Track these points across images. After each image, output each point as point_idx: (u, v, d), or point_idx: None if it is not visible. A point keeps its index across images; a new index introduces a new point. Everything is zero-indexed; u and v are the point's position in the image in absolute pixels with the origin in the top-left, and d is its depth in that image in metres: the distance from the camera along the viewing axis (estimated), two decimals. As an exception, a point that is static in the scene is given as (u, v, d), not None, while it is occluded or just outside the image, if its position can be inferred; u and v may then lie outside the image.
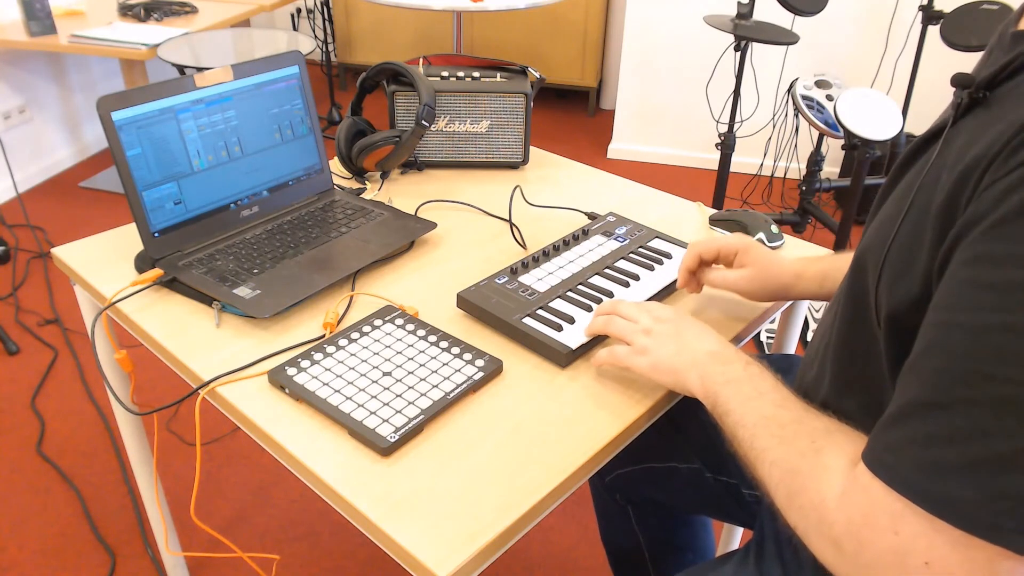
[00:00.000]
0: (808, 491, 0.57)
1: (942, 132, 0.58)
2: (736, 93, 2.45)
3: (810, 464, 0.58)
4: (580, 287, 0.97)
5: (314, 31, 4.18)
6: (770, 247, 1.12)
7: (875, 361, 0.62)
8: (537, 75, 1.33)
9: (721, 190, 2.58)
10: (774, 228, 1.16)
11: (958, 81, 0.57)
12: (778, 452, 0.61)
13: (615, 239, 1.09)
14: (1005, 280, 0.46)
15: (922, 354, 0.51)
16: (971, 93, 0.55)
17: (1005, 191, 0.47)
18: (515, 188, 1.29)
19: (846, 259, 0.89)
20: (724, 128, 2.54)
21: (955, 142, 0.55)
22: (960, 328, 0.48)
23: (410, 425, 0.76)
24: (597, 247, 1.07)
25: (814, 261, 0.92)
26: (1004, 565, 0.47)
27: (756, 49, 3.08)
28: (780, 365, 1.02)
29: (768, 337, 2.28)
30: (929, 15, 2.44)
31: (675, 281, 1.00)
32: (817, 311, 2.36)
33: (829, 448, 0.58)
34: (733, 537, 1.49)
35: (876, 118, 2.10)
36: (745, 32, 2.23)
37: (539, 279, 0.99)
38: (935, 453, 0.48)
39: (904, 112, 2.67)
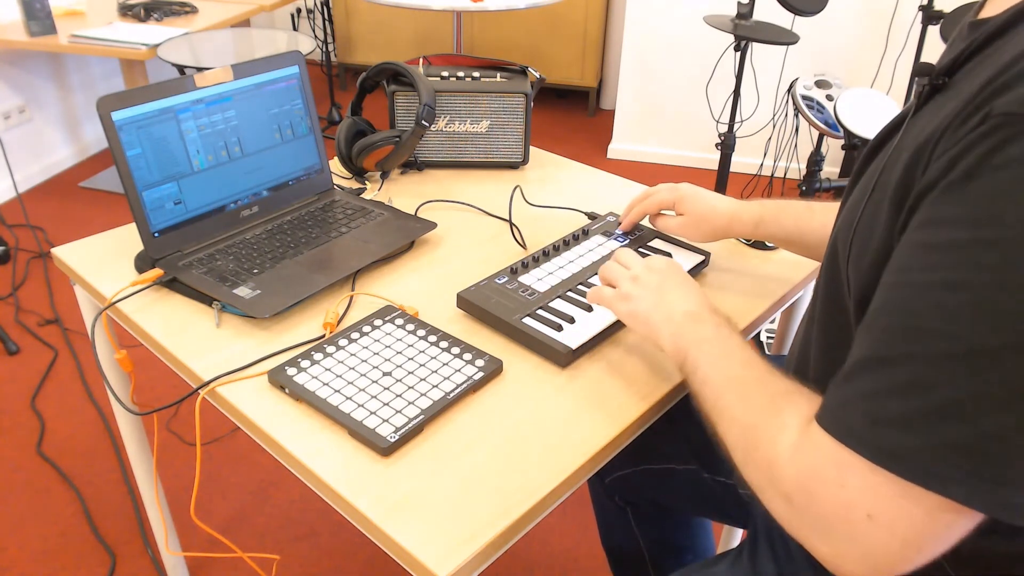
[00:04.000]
0: (763, 447, 0.58)
1: (904, 121, 0.60)
2: (736, 93, 2.45)
3: (767, 421, 0.60)
4: (580, 287, 0.97)
5: (314, 31, 4.18)
6: (769, 247, 1.12)
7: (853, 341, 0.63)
8: (537, 75, 1.33)
9: (721, 190, 2.58)
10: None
11: (919, 70, 0.59)
12: (738, 410, 0.63)
13: (615, 239, 1.09)
14: (949, 240, 0.47)
15: (873, 314, 0.53)
16: (931, 80, 0.57)
17: (954, 157, 0.48)
18: (515, 188, 1.29)
19: (782, 205, 0.96)
20: (724, 128, 2.54)
21: (915, 127, 0.57)
22: (906, 287, 0.50)
23: (410, 425, 0.76)
24: (597, 247, 1.07)
25: (750, 206, 0.99)
26: (944, 517, 0.48)
27: (756, 49, 3.08)
28: (779, 365, 1.03)
29: (768, 337, 2.28)
30: (929, 15, 2.44)
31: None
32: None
33: (787, 407, 0.59)
34: (732, 538, 1.49)
35: (876, 118, 2.10)
36: (745, 32, 2.23)
37: (539, 279, 0.99)
38: (880, 406, 0.49)
39: (904, 112, 2.66)
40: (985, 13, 0.57)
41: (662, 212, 1.06)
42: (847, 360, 0.54)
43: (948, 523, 0.48)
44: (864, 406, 0.50)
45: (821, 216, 0.94)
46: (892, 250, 0.54)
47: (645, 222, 1.15)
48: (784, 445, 0.56)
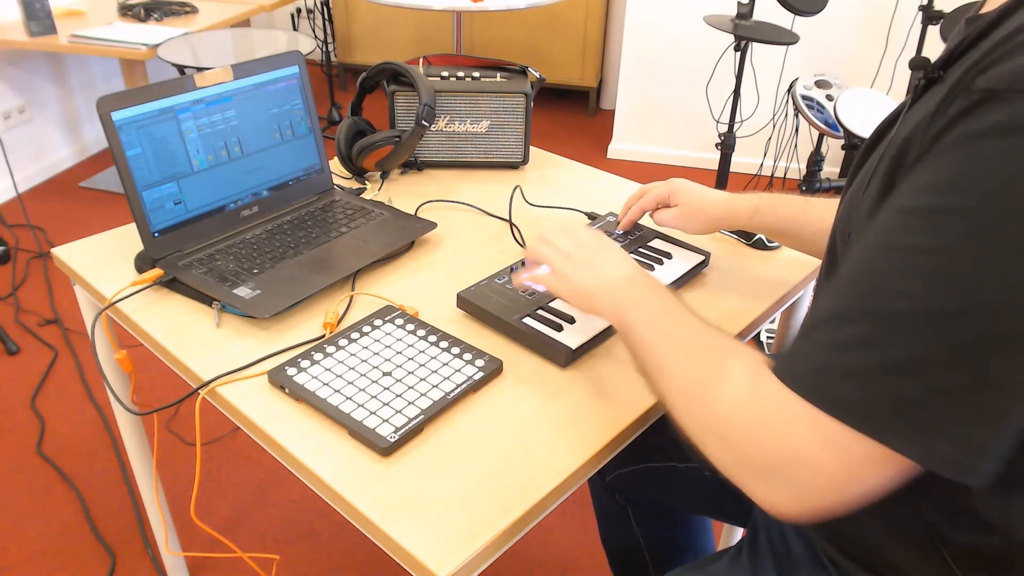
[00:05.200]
0: (710, 398, 0.60)
1: (901, 115, 0.61)
2: (736, 93, 2.45)
3: (714, 375, 0.61)
4: (580, 287, 0.97)
5: (314, 31, 4.18)
6: (770, 247, 1.12)
7: None
8: (537, 75, 1.33)
9: (721, 189, 2.57)
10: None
11: (915, 64, 0.60)
12: (683, 367, 0.65)
13: (615, 239, 1.09)
14: (919, 205, 0.49)
15: (840, 274, 0.55)
16: (927, 74, 0.58)
17: (935, 135, 0.50)
18: (515, 188, 1.29)
19: (779, 197, 0.97)
20: (724, 128, 2.54)
21: (910, 119, 0.58)
22: (870, 248, 0.52)
23: (410, 425, 0.76)
24: (597, 247, 1.07)
25: (746, 196, 0.99)
26: (878, 464, 0.51)
27: (756, 49, 3.08)
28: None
29: (768, 337, 2.28)
30: (929, 15, 2.44)
31: (675, 281, 1.01)
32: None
33: (734, 361, 0.61)
34: (732, 538, 1.49)
35: (876, 118, 2.10)
36: (745, 32, 2.23)
37: (539, 279, 0.99)
38: (834, 358, 0.52)
39: (904, 112, 2.66)
40: (983, 10, 0.58)
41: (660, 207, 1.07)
42: (808, 317, 0.58)
43: (881, 470, 0.51)
44: (818, 358, 0.53)
45: (818, 210, 0.94)
46: None
47: (645, 221, 1.15)
48: (733, 394, 0.59)
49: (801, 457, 0.53)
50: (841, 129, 2.15)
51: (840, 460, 0.52)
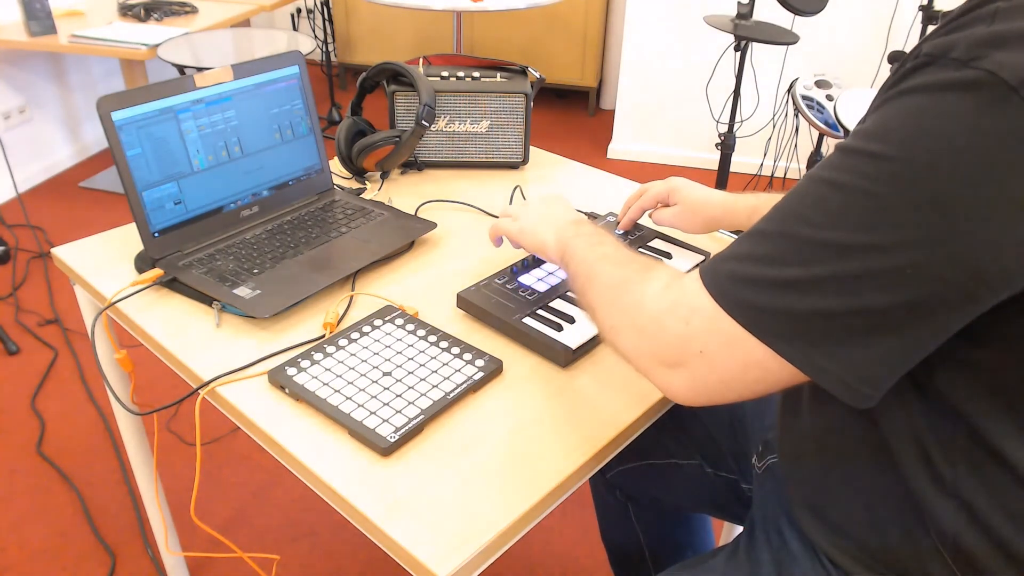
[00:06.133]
0: (630, 292, 0.67)
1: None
2: (736, 93, 2.45)
3: (638, 277, 0.68)
4: (580, 287, 0.98)
5: (314, 31, 4.18)
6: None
7: None
8: (537, 75, 1.33)
9: (721, 190, 2.58)
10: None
11: (892, 57, 0.63)
12: (611, 275, 0.71)
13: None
14: (846, 145, 0.54)
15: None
16: (901, 64, 0.59)
17: (881, 92, 0.54)
18: (515, 188, 1.29)
19: (777, 198, 0.96)
20: (724, 128, 2.54)
21: None
22: (806, 179, 0.57)
23: (410, 425, 0.76)
24: (597, 247, 1.07)
25: (745, 196, 1.01)
26: (763, 366, 0.57)
27: (756, 49, 3.08)
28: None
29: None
30: (929, 15, 2.44)
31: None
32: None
33: (658, 268, 0.68)
34: (732, 536, 1.48)
35: (876, 118, 2.10)
36: (745, 32, 2.23)
37: (539, 279, 0.99)
38: (745, 268, 0.57)
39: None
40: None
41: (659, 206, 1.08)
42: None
43: (764, 371, 0.57)
44: (733, 265, 0.58)
45: None
46: None
47: (644, 220, 1.15)
48: (652, 289, 0.65)
49: (695, 347, 0.59)
50: (841, 129, 2.15)
51: (733, 357, 0.58)
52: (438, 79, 1.31)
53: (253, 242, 1.06)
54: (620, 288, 0.69)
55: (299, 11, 4.18)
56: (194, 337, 0.91)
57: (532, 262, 1.02)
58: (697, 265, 0.82)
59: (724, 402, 0.61)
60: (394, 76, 1.30)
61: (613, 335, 0.68)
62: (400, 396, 0.80)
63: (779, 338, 0.55)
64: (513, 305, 0.93)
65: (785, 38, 2.23)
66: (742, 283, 0.57)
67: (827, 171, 0.54)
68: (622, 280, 0.69)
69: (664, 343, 0.62)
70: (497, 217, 1.11)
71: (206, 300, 0.96)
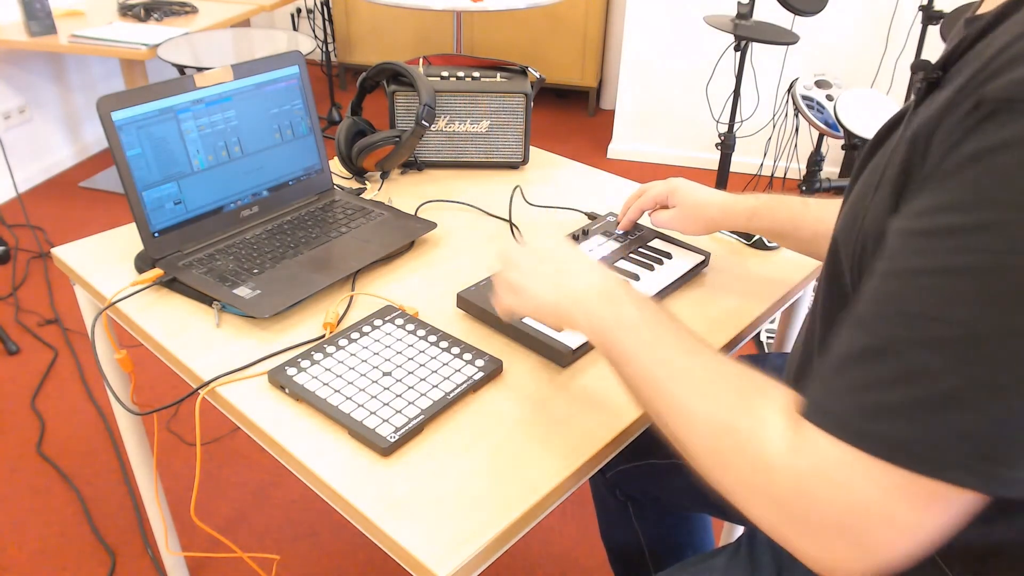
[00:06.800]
0: (745, 450, 0.54)
1: (905, 116, 0.60)
2: (736, 93, 2.45)
3: (744, 420, 0.55)
4: (580, 287, 0.97)
5: (314, 31, 4.18)
6: (770, 247, 1.12)
7: None
8: (537, 75, 1.33)
9: (721, 190, 2.58)
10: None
11: (916, 67, 0.61)
12: (701, 408, 0.58)
13: (615, 239, 1.09)
14: (945, 225, 0.47)
15: (863, 303, 0.51)
16: (927, 75, 0.57)
17: (950, 146, 0.48)
18: (515, 188, 1.29)
19: (777, 198, 0.96)
20: (724, 128, 2.54)
21: (914, 122, 0.57)
22: (895, 274, 0.49)
23: (410, 425, 0.76)
24: (597, 247, 1.07)
25: (744, 198, 0.99)
26: (945, 503, 0.48)
27: (756, 49, 3.08)
28: (779, 364, 1.03)
29: (768, 337, 2.28)
30: (929, 15, 2.44)
31: (675, 281, 1.01)
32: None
33: (761, 402, 0.56)
34: (732, 536, 1.49)
35: (876, 118, 2.10)
36: (745, 32, 2.23)
37: (539, 279, 0.98)
38: (877, 396, 0.48)
39: (904, 112, 2.66)
40: (983, 9, 0.58)
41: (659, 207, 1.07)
42: (830, 354, 0.53)
43: (949, 509, 0.48)
44: (861, 399, 0.49)
45: (816, 211, 0.94)
46: None
47: (644, 220, 1.15)
48: (773, 446, 0.53)
49: (864, 511, 0.49)
50: (841, 129, 2.15)
51: (910, 506, 0.48)
52: (438, 79, 1.31)
53: (253, 242, 1.06)
54: (725, 440, 0.56)
55: (299, 11, 4.18)
56: (194, 337, 0.91)
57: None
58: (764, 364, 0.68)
59: (904, 566, 0.50)
60: (394, 76, 1.30)
61: (732, 496, 0.56)
62: (400, 396, 0.80)
63: (960, 468, 0.46)
64: (513, 305, 0.93)
65: (785, 38, 2.23)
66: (882, 416, 0.48)
67: (932, 259, 0.47)
68: (724, 427, 0.56)
69: (817, 516, 0.51)
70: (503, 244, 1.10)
71: (206, 300, 0.96)
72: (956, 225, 0.46)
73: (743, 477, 0.55)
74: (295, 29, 4.12)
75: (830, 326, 0.68)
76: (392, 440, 0.74)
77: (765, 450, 0.53)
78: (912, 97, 0.61)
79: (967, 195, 0.46)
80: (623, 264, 1.03)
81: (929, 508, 0.47)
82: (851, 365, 0.50)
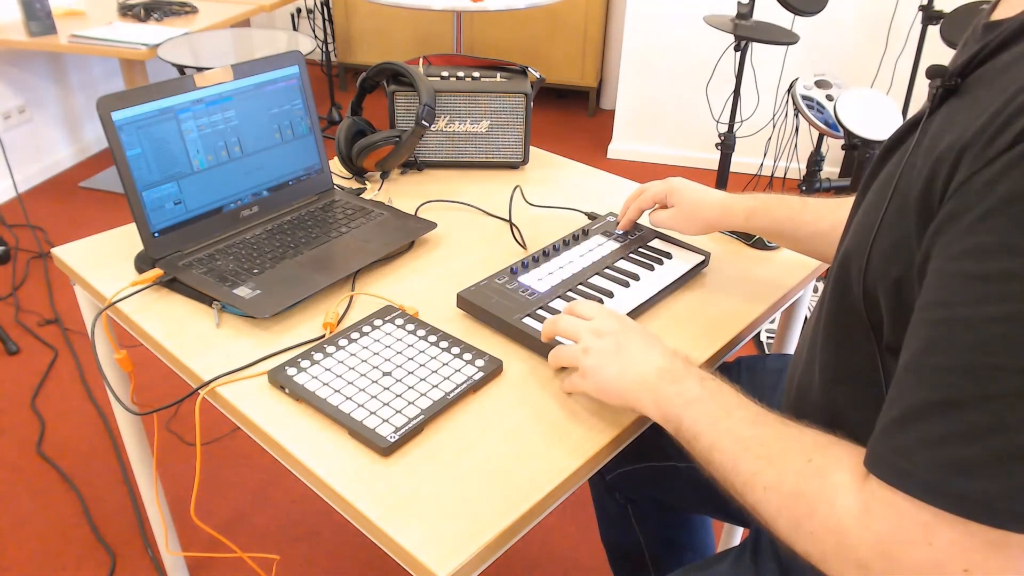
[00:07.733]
0: (819, 514, 0.54)
1: (919, 123, 0.59)
2: (736, 93, 2.45)
3: (813, 484, 0.55)
4: (580, 287, 0.97)
5: (314, 31, 4.18)
6: (769, 247, 1.12)
7: (863, 349, 0.62)
8: (537, 75, 1.33)
9: (721, 190, 2.57)
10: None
11: (932, 72, 0.57)
12: (771, 475, 0.58)
13: (615, 239, 1.09)
14: (1000, 270, 0.46)
15: (921, 353, 0.50)
16: (944, 82, 0.56)
17: (988, 183, 0.46)
18: (515, 188, 1.29)
19: (776, 198, 0.97)
20: (724, 128, 2.54)
21: (930, 130, 0.56)
22: (961, 323, 0.47)
23: (410, 425, 0.76)
24: (597, 247, 1.07)
25: (743, 197, 0.99)
26: None
27: (756, 49, 3.08)
28: (779, 365, 1.03)
29: (768, 337, 2.28)
30: (929, 15, 2.44)
31: (675, 281, 1.01)
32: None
33: (829, 463, 0.55)
34: (733, 537, 1.49)
35: (876, 118, 2.10)
36: (745, 32, 2.23)
37: (539, 279, 0.99)
38: (954, 452, 0.47)
39: (904, 112, 2.67)
40: (998, 15, 0.56)
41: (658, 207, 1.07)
42: (891, 406, 0.51)
43: None
44: (933, 454, 0.47)
45: (814, 211, 0.94)
46: (916, 264, 0.52)
47: (644, 220, 1.15)
48: (846, 509, 0.52)
49: (952, 570, 0.47)
50: (841, 129, 2.15)
51: (996, 562, 0.47)
52: (438, 79, 1.31)
53: (253, 242, 1.06)
54: (798, 505, 0.55)
55: (299, 11, 4.17)
56: (194, 337, 0.91)
57: (532, 262, 1.02)
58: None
59: None
60: (394, 76, 1.30)
61: (815, 562, 0.55)
62: (400, 396, 0.80)
63: None
64: (513, 305, 0.93)
65: (785, 38, 2.23)
66: (964, 472, 0.46)
67: (995, 305, 0.46)
68: (795, 494, 0.56)
69: None
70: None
71: (206, 300, 0.96)
72: (1011, 270, 0.45)
73: (820, 541, 0.54)
74: (295, 29, 4.12)
75: (837, 335, 0.67)
76: (392, 440, 0.74)
77: (838, 513, 0.53)
78: (926, 103, 0.59)
79: (1011, 238, 0.45)
80: (623, 264, 1.03)
81: (1015, 562, 0.47)
82: (918, 419, 0.49)
